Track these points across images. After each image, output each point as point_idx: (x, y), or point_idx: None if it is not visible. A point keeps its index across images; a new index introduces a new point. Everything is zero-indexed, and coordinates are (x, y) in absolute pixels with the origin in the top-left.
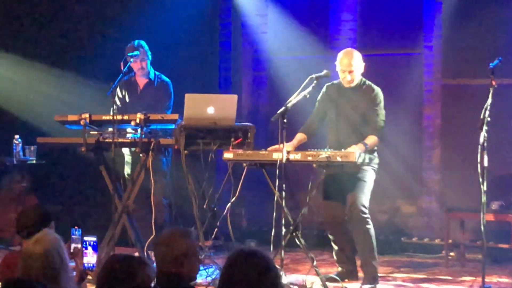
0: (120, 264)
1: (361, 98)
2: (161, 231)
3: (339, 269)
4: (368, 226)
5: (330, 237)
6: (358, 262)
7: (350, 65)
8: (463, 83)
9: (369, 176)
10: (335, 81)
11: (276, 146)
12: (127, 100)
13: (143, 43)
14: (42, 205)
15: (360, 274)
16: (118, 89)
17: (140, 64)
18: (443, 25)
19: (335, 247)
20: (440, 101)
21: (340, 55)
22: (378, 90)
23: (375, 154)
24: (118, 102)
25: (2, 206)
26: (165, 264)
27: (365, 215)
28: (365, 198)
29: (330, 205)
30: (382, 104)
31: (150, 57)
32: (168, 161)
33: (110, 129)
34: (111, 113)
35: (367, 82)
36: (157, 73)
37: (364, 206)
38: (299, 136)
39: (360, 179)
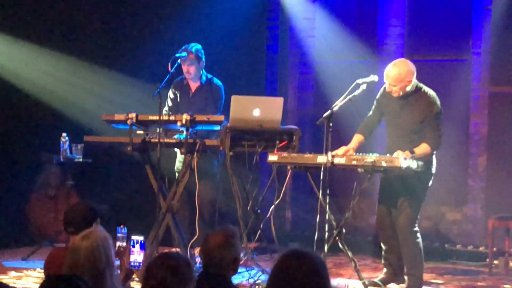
0: (172, 263)
1: (416, 105)
2: (206, 232)
3: (383, 272)
4: (417, 240)
5: (380, 236)
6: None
7: (395, 80)
8: (511, 91)
9: (423, 187)
10: None
11: (344, 148)
12: (179, 101)
13: (196, 48)
14: (88, 202)
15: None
16: (171, 90)
17: (187, 68)
18: (492, 32)
19: (384, 248)
20: (487, 109)
21: (388, 67)
22: (434, 96)
23: (433, 162)
24: (170, 103)
25: (48, 204)
26: (219, 266)
27: (414, 229)
28: (414, 211)
29: (382, 209)
30: (439, 111)
31: (202, 63)
32: (220, 164)
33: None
34: (160, 113)
35: (423, 88)
36: (209, 76)
37: (413, 220)
38: (357, 138)
39: (412, 189)
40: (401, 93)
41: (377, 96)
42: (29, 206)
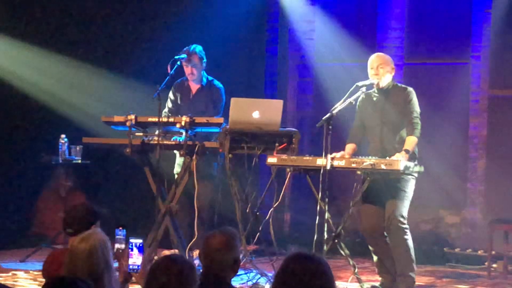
0: (177, 267)
1: (395, 98)
2: (206, 234)
3: (382, 279)
4: (406, 236)
5: (370, 247)
6: None
7: (382, 58)
8: (510, 94)
9: (410, 186)
10: (370, 90)
11: (337, 154)
12: (179, 103)
13: (198, 49)
14: (90, 203)
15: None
16: (171, 91)
17: (191, 70)
18: (492, 35)
19: (375, 258)
20: (487, 112)
21: (372, 55)
22: (411, 89)
23: (416, 162)
24: (170, 105)
25: (46, 205)
26: (220, 268)
27: (403, 226)
28: (404, 208)
29: (368, 212)
30: (415, 101)
31: (204, 64)
32: (219, 166)
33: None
34: (159, 115)
35: (399, 84)
36: (210, 78)
37: (403, 217)
38: (350, 147)
39: (400, 189)
40: (383, 82)
41: (356, 106)
42: (38, 207)
